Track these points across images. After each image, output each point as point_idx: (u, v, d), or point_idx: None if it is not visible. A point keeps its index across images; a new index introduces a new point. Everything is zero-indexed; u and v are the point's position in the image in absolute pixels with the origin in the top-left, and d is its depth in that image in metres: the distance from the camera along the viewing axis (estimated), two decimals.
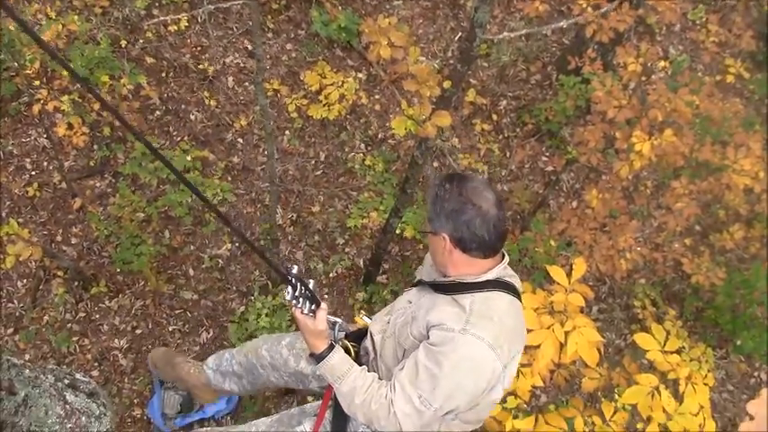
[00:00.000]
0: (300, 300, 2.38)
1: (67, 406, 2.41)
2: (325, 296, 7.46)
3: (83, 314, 7.03)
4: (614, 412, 4.57)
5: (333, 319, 2.56)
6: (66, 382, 2.51)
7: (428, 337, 2.32)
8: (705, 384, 4.64)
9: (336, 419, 2.63)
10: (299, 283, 2.35)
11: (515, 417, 4.35)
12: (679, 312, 7.70)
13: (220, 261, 7.47)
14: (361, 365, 2.56)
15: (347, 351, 2.62)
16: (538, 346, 4.21)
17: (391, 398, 2.32)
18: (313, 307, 2.43)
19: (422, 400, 2.28)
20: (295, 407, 3.06)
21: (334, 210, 7.93)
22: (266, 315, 6.88)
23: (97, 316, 7.06)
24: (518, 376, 4.42)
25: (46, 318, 6.87)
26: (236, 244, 7.58)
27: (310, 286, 2.41)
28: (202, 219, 7.53)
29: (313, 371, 3.01)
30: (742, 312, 7.51)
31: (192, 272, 7.38)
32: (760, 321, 7.37)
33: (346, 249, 7.77)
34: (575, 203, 8.06)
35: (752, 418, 1.45)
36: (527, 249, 7.04)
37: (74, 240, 7.32)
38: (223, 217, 2.09)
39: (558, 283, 4.33)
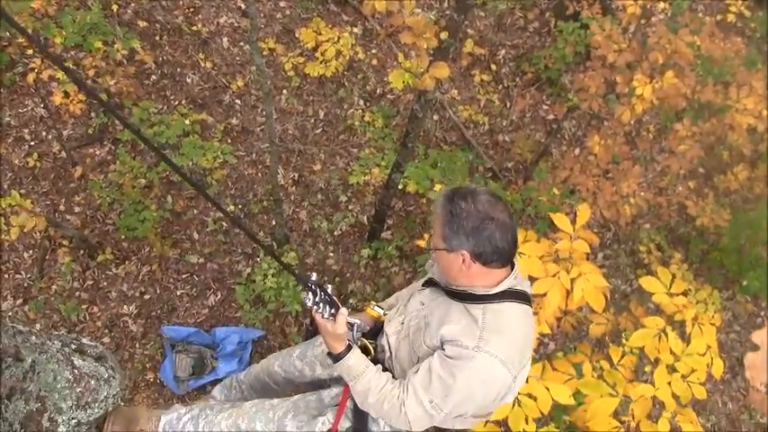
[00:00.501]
0: (320, 305, 2.45)
1: (76, 371, 2.43)
2: (331, 254, 7.49)
3: (90, 282, 7.07)
4: (622, 356, 4.59)
5: (351, 320, 2.57)
6: (74, 347, 2.52)
7: (443, 349, 2.40)
8: (712, 325, 4.65)
9: (358, 412, 2.69)
10: (318, 290, 2.44)
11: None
12: (684, 256, 7.70)
13: (224, 224, 7.47)
14: (377, 362, 2.64)
15: (366, 349, 2.69)
16: (544, 295, 4.21)
17: (403, 399, 2.42)
18: (332, 311, 2.48)
19: (433, 405, 2.39)
20: (311, 393, 3.04)
21: (336, 167, 7.90)
22: (272, 276, 6.90)
23: (105, 283, 7.10)
24: None
25: (54, 287, 6.91)
26: (239, 206, 7.58)
27: (329, 290, 2.49)
28: (204, 182, 7.52)
29: (330, 374, 3.05)
30: (747, 253, 7.49)
31: (196, 236, 7.40)
32: (766, 261, 7.36)
33: (350, 207, 7.77)
34: (577, 151, 8.01)
35: (757, 349, 1.45)
36: (530, 199, 7.02)
37: (77, 209, 7.32)
38: (224, 211, 2.07)
39: (563, 231, 4.31)
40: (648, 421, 4.30)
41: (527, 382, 4.20)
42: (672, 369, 4.41)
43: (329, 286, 2.53)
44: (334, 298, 2.52)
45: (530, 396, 4.18)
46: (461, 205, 2.34)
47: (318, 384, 3.11)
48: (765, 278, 7.29)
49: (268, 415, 2.88)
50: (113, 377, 2.62)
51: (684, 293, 4.68)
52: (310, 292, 2.45)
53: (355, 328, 2.64)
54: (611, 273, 7.65)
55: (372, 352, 2.72)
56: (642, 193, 6.37)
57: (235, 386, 3.55)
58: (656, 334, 4.44)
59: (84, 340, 2.66)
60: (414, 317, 2.63)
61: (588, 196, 6.20)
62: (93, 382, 2.49)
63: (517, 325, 2.44)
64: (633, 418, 4.29)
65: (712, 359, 4.64)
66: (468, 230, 2.31)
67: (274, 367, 3.25)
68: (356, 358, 2.56)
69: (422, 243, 4.55)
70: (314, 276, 2.49)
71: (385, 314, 2.86)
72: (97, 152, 7.52)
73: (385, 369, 2.63)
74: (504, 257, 2.38)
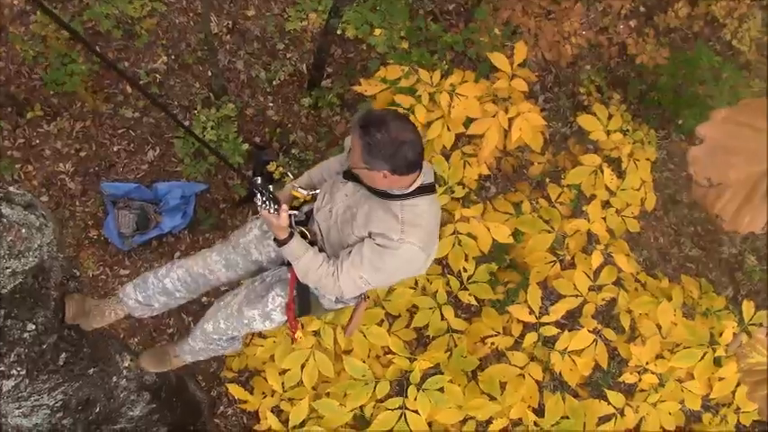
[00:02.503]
0: (267, 202, 2.92)
1: (4, 219, 2.36)
2: (270, 104, 7.34)
3: (22, 140, 6.84)
4: (560, 194, 4.68)
5: (290, 212, 3.08)
6: (0, 195, 2.45)
7: (372, 238, 2.92)
8: (647, 160, 4.75)
9: (300, 284, 3.25)
10: (264, 190, 2.91)
11: (465, 206, 4.44)
12: (623, 96, 7.76)
13: (158, 75, 7.21)
14: (313, 244, 3.17)
15: (304, 235, 3.19)
16: (482, 135, 4.23)
17: (338, 275, 2.99)
18: (276, 206, 2.93)
19: (363, 280, 2.99)
20: (253, 280, 3.49)
21: (271, 14, 7.59)
22: (212, 128, 6.77)
23: (37, 141, 6.88)
24: (464, 166, 4.47)
25: None
26: (172, 57, 7.29)
27: (271, 189, 2.96)
28: (133, 32, 7.17)
29: (268, 254, 3.47)
30: (684, 92, 7.59)
31: (129, 89, 7.13)
32: (702, 100, 7.47)
33: (288, 55, 7.53)
34: None
35: (701, 141, 1.46)
36: (471, 41, 6.89)
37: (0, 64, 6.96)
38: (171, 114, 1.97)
39: (501, 70, 4.27)
40: (583, 255, 4.47)
41: (468, 222, 4.31)
42: (607, 204, 4.54)
43: (271, 186, 2.98)
44: (277, 195, 2.99)
45: (470, 236, 4.28)
46: (377, 136, 2.74)
47: (256, 272, 3.52)
48: (705, 116, 7.41)
49: (227, 311, 3.38)
50: (45, 225, 2.57)
51: (623, 132, 4.75)
52: (258, 194, 2.90)
53: (293, 218, 3.13)
54: (552, 116, 7.70)
55: (309, 236, 3.20)
56: (584, 33, 6.28)
57: (152, 282, 3.50)
58: (593, 171, 4.53)
59: (11, 188, 2.58)
60: (340, 207, 3.09)
61: (530, 37, 6.10)
62: (24, 230, 2.44)
63: (429, 214, 2.98)
64: (568, 251, 4.44)
65: (646, 194, 4.78)
66: (385, 156, 2.75)
67: (212, 257, 3.47)
68: (297, 242, 3.07)
69: (361, 89, 4.46)
70: (259, 180, 2.97)
71: (308, 195, 3.29)
72: (15, 2, 7.05)
73: (320, 250, 3.15)
74: (415, 167, 2.85)
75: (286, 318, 3.34)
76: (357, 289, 3.06)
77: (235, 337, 3.50)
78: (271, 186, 2.97)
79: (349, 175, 3.08)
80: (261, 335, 4.64)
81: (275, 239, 3.10)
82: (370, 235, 2.94)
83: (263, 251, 3.42)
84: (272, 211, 2.93)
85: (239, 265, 3.44)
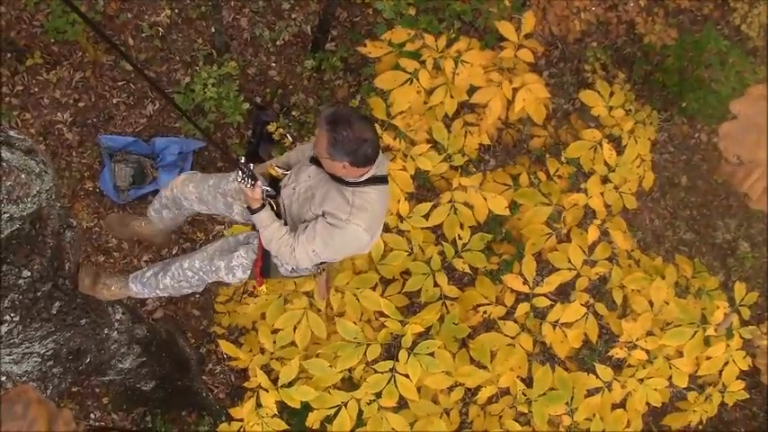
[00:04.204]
0: (246, 179, 3.31)
1: (4, 164, 2.34)
2: (273, 64, 7.28)
3: (20, 87, 6.77)
4: (557, 168, 4.68)
5: (264, 188, 3.50)
6: (0, 138, 2.42)
7: (324, 217, 3.35)
8: (647, 139, 4.74)
9: (263, 249, 3.69)
10: (245, 167, 3.28)
11: (463, 175, 4.43)
12: (628, 76, 7.71)
13: (161, 29, 7.13)
14: (279, 216, 3.61)
15: (272, 207, 3.61)
16: (485, 105, 4.20)
17: (294, 246, 3.43)
18: (252, 182, 3.35)
19: (315, 253, 3.41)
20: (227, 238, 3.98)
21: None
22: (212, 85, 6.72)
23: (36, 89, 6.81)
24: (466, 135, 4.46)
25: None
26: (176, 11, 7.21)
27: (251, 167, 3.37)
28: None
29: (240, 206, 3.85)
30: (689, 74, 7.55)
31: (131, 41, 7.06)
32: (706, 83, 7.44)
33: (293, 15, 7.45)
34: None
35: (734, 118, 1.44)
36: (480, 11, 6.83)
37: (1, 9, 6.86)
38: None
39: (508, 40, 4.24)
40: (579, 229, 4.47)
41: (465, 191, 4.31)
42: (605, 180, 4.53)
43: (252, 165, 3.40)
44: (254, 172, 3.40)
45: (466, 204, 4.27)
46: (342, 133, 3.11)
47: (227, 208, 3.97)
48: (707, 101, 7.41)
49: (203, 254, 3.83)
50: (45, 172, 2.55)
51: (625, 110, 4.73)
52: (240, 171, 3.30)
53: (265, 193, 3.53)
54: (555, 91, 7.65)
55: (276, 208, 3.62)
56: (593, 9, 6.23)
57: (159, 195, 4.10)
58: (593, 146, 4.52)
59: (12, 133, 2.55)
60: (303, 186, 3.50)
61: (539, 11, 6.05)
62: (23, 176, 2.42)
63: (376, 202, 3.38)
64: (565, 225, 4.44)
65: (645, 172, 4.78)
66: (347, 151, 3.13)
67: (189, 188, 3.89)
68: (266, 213, 3.51)
69: (365, 51, 4.41)
70: (242, 159, 3.34)
71: (283, 174, 3.67)
72: None
73: (285, 223, 3.58)
74: (371, 162, 3.23)
75: (247, 276, 3.79)
76: (309, 260, 3.48)
77: (203, 280, 3.86)
78: (252, 165, 3.41)
79: (314, 160, 3.48)
80: (252, 294, 4.68)
81: (248, 207, 3.54)
82: (323, 214, 3.35)
83: (239, 202, 3.81)
84: (248, 185, 3.36)
85: (209, 203, 3.85)
